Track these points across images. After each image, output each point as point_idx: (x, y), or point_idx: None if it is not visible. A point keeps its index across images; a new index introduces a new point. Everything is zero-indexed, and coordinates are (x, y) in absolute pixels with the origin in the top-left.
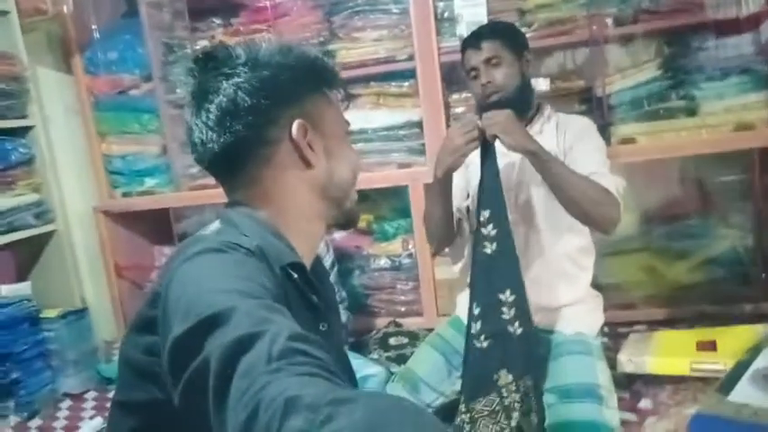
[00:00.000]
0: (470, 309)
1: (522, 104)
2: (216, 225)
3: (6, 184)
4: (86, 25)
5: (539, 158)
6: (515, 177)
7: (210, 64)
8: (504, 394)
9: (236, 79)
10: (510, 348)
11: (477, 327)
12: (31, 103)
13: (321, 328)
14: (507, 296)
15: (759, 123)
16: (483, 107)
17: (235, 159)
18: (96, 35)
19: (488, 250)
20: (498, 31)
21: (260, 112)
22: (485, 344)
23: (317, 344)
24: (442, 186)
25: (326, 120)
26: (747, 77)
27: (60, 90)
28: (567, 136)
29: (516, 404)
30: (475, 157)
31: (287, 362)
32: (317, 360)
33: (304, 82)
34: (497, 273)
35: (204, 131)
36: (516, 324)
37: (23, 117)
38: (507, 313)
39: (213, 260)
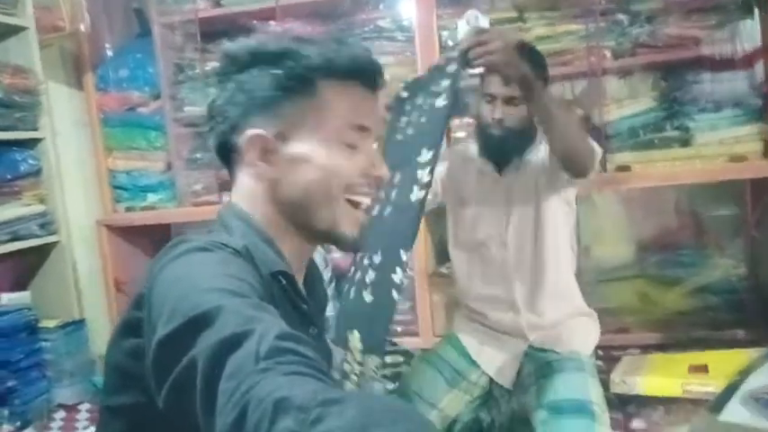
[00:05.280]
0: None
1: (523, 139)
2: (210, 227)
3: (14, 194)
4: (100, 43)
5: (532, 88)
6: (505, 198)
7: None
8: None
9: (222, 84)
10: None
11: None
12: (42, 116)
13: (311, 332)
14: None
15: (751, 156)
16: (483, 134)
17: (220, 157)
18: (109, 53)
19: None
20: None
21: (229, 118)
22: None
23: (306, 343)
24: None
25: (307, 124)
26: (740, 111)
27: (71, 105)
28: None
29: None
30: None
31: (275, 361)
32: (307, 359)
33: (283, 84)
34: None
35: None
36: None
37: (34, 129)
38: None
39: (198, 259)
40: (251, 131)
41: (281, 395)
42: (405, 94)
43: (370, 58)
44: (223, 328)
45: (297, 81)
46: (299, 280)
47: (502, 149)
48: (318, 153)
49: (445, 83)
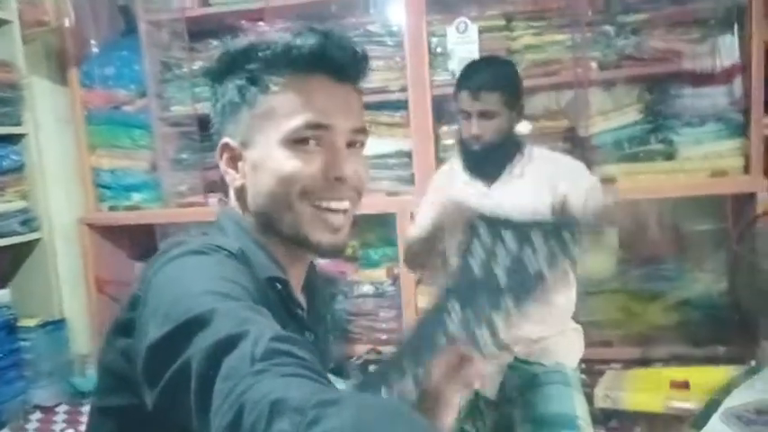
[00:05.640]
0: None
1: (505, 151)
2: (206, 228)
3: None
4: (85, 39)
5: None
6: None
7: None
8: None
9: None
10: None
11: None
12: (26, 112)
13: (306, 337)
14: None
15: (732, 171)
16: (465, 150)
17: None
18: (94, 50)
19: None
20: (499, 83)
21: (214, 127)
22: None
23: (301, 344)
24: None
25: (263, 129)
26: (723, 125)
27: (54, 100)
28: (557, 182)
29: None
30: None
31: (270, 363)
32: (302, 360)
33: (242, 90)
34: None
35: None
36: None
37: (17, 125)
38: None
39: (193, 262)
40: (222, 140)
41: (276, 397)
42: (484, 225)
43: (335, 45)
44: (218, 330)
45: (251, 84)
46: (298, 286)
47: (485, 164)
48: (273, 158)
49: (553, 245)
